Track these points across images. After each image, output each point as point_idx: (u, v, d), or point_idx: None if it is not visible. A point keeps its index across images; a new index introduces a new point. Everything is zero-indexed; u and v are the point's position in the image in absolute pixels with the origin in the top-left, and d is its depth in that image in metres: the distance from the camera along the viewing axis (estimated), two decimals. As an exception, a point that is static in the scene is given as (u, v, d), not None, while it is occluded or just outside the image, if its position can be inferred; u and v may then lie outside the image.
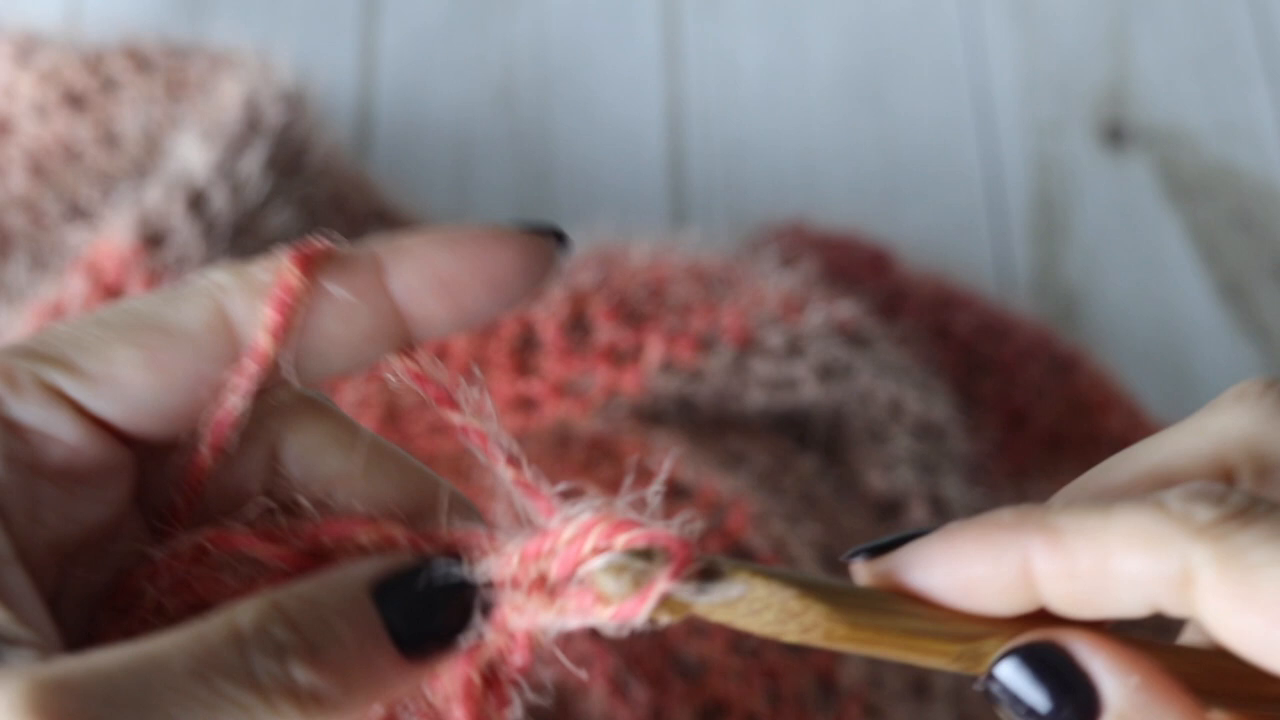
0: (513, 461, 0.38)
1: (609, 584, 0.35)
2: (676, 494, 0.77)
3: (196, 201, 0.84)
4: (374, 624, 0.36)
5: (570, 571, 0.36)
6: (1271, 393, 0.39)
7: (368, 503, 0.39)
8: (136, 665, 0.33)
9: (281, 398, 0.39)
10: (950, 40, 1.12)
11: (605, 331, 0.82)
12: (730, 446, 0.83)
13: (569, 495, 0.37)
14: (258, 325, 0.38)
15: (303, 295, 0.38)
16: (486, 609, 0.36)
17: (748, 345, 0.83)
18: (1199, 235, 1.05)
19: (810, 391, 0.84)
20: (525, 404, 0.83)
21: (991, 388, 0.96)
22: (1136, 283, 1.04)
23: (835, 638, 0.37)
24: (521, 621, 0.36)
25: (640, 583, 0.35)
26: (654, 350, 0.82)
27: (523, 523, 0.37)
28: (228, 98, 0.88)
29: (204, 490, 0.39)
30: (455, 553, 0.37)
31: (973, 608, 0.37)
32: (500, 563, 0.37)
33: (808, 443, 0.86)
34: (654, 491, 0.37)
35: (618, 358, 0.82)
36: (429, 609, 0.36)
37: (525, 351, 0.83)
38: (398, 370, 0.39)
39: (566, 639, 0.49)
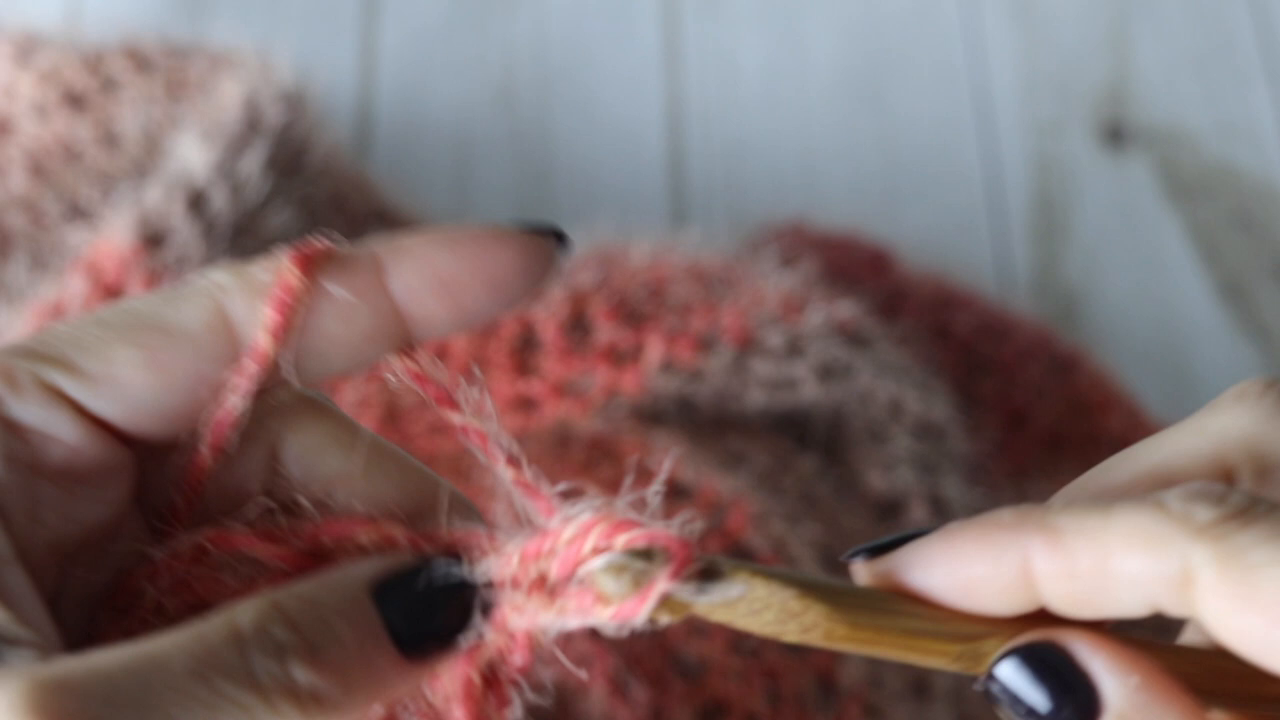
0: (513, 461, 0.38)
1: (609, 584, 0.35)
2: (676, 494, 0.77)
3: (196, 201, 0.84)
4: (374, 624, 0.36)
5: (570, 571, 0.36)
6: (1271, 393, 0.39)
7: (368, 503, 0.39)
8: (136, 665, 0.33)
9: (281, 398, 0.39)
10: (950, 40, 1.12)
11: (605, 331, 0.83)
12: (730, 446, 0.83)
13: (569, 495, 0.37)
14: (258, 325, 0.38)
15: (303, 295, 0.38)
16: (486, 609, 0.36)
17: (748, 345, 0.83)
18: (1199, 235, 1.05)
19: (810, 391, 0.84)
20: (525, 404, 0.83)
21: (991, 388, 0.96)
22: (1136, 283, 1.04)
23: (835, 638, 0.37)
24: (521, 621, 0.36)
25: (640, 583, 0.35)
26: (654, 350, 0.82)
27: (523, 523, 0.37)
28: (228, 98, 0.88)
29: (204, 490, 0.39)
30: (455, 553, 0.37)
31: (973, 608, 0.37)
32: (500, 563, 0.37)
33: (808, 443, 0.86)
34: (654, 491, 0.37)
35: (618, 358, 0.82)
36: (429, 609, 0.36)
37: (525, 351, 0.83)
38: (398, 370, 0.39)
39: (566, 639, 0.49)
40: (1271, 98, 1.10)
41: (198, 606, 0.38)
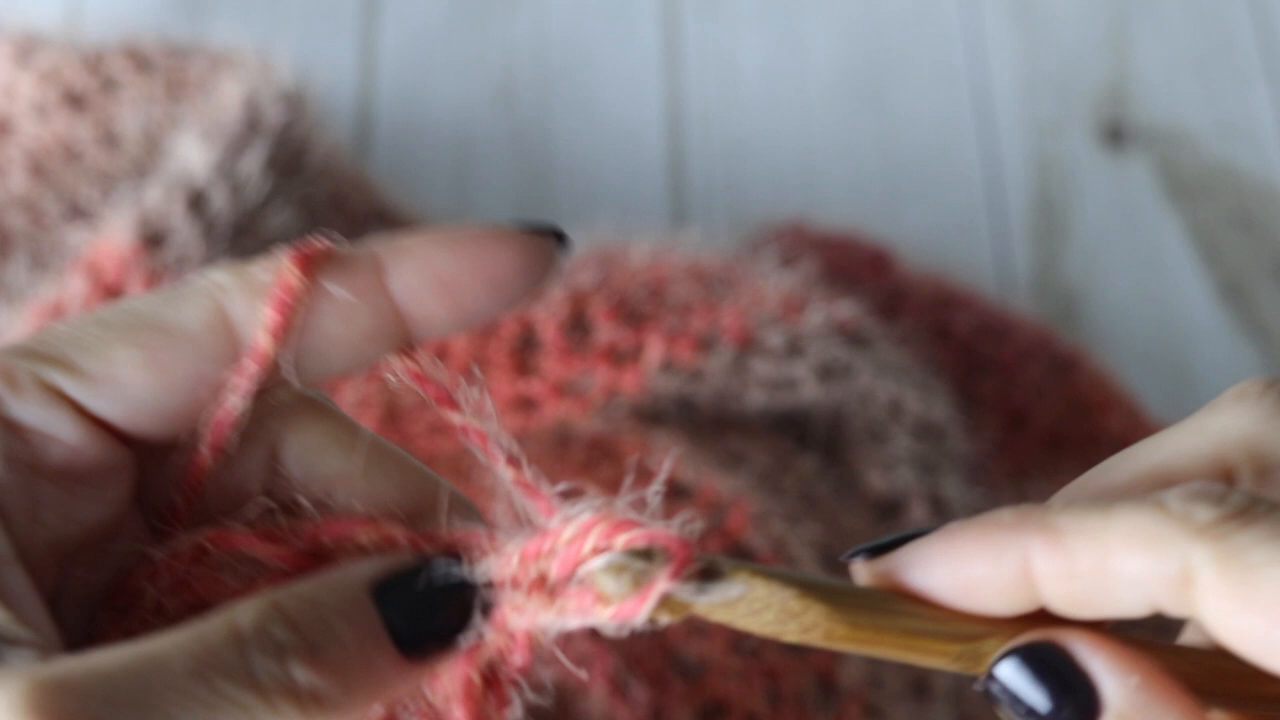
0: (513, 461, 0.38)
1: (609, 584, 0.35)
2: (676, 494, 0.77)
3: (196, 201, 0.84)
4: (374, 624, 0.36)
5: (570, 571, 0.36)
6: (1271, 393, 0.39)
7: (368, 503, 0.39)
8: (136, 665, 0.33)
9: (281, 398, 0.39)
10: (950, 40, 1.12)
11: (605, 331, 0.83)
12: (730, 446, 0.83)
13: (569, 495, 0.37)
14: (258, 325, 0.38)
15: (303, 295, 0.38)
16: (486, 609, 0.36)
17: (748, 345, 0.83)
18: (1199, 235, 1.05)
19: (810, 391, 0.84)
20: (525, 404, 0.83)
21: (991, 388, 0.96)
22: (1136, 283, 1.04)
23: (835, 638, 0.37)
24: (521, 621, 0.36)
25: (640, 583, 0.35)
26: (654, 350, 0.82)
27: (523, 523, 0.37)
28: (228, 98, 0.88)
29: (204, 490, 0.39)
30: (455, 553, 0.37)
31: (973, 608, 0.37)
32: (500, 563, 0.37)
33: (808, 443, 0.86)
34: (654, 491, 0.37)
35: (618, 358, 0.82)
36: (429, 609, 0.36)
37: (525, 351, 0.83)
38: (398, 370, 0.39)
39: (566, 639, 0.49)
40: (1271, 98, 1.10)
41: (198, 606, 0.38)
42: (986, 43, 1.12)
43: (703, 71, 1.10)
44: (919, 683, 0.79)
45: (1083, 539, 0.36)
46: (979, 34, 1.12)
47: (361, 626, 0.35)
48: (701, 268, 0.87)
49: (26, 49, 0.97)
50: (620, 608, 0.35)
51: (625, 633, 0.36)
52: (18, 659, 0.33)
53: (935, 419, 0.87)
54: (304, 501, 0.39)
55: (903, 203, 1.06)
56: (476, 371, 0.43)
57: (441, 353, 0.83)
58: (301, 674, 0.34)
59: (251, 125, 0.87)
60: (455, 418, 0.39)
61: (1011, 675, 0.37)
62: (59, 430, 0.37)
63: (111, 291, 0.81)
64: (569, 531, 0.36)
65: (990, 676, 0.37)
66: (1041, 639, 0.37)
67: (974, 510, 0.74)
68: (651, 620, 0.36)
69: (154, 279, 0.81)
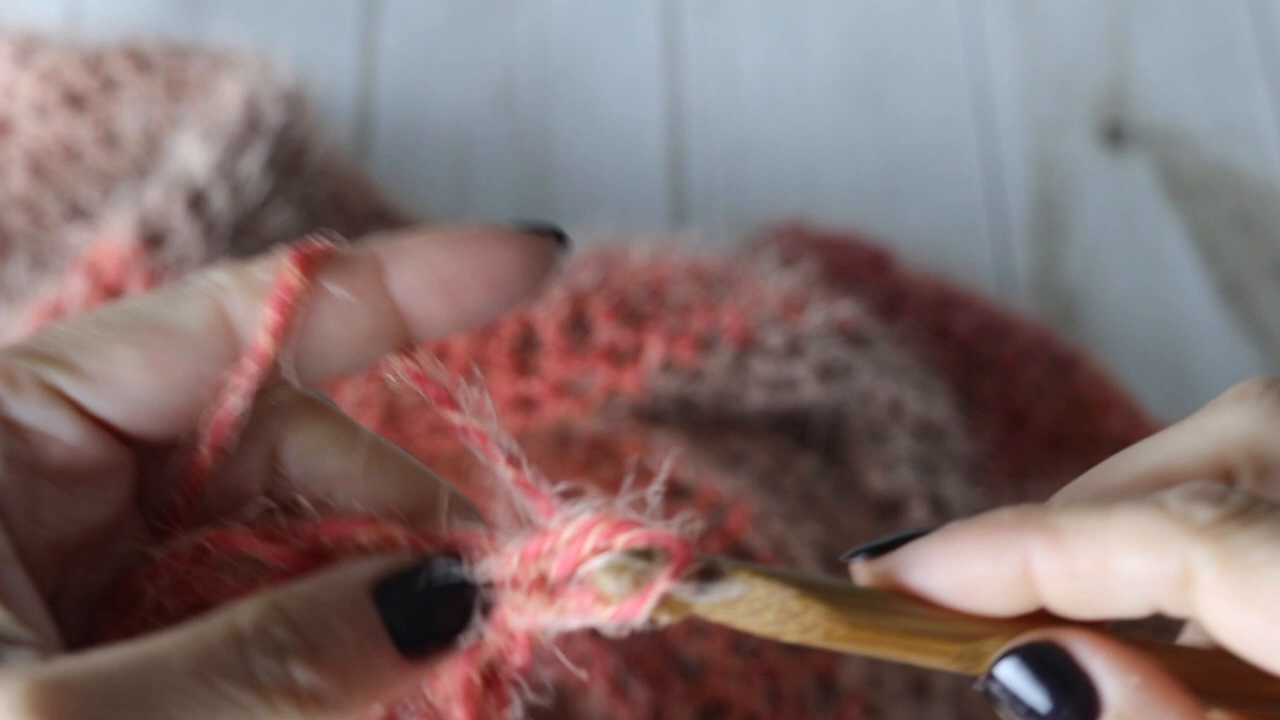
0: (513, 461, 0.38)
1: (609, 584, 0.35)
2: (676, 494, 0.77)
3: (196, 201, 0.84)
4: (374, 624, 0.36)
5: (570, 571, 0.36)
6: (1271, 393, 0.39)
7: (368, 503, 0.39)
8: (136, 665, 0.33)
9: (281, 398, 0.39)
10: (950, 40, 1.12)
11: (605, 331, 0.83)
12: (730, 446, 0.83)
13: (569, 495, 0.37)
14: (258, 325, 0.38)
15: (303, 295, 0.38)
16: (486, 609, 0.36)
17: (748, 345, 0.83)
18: (1199, 235, 1.05)
19: (810, 391, 0.84)
20: (525, 404, 0.83)
21: (991, 388, 0.96)
22: (1136, 283, 1.04)
23: (835, 638, 0.37)
24: (521, 621, 0.36)
25: (640, 583, 0.35)
26: (654, 350, 0.82)
27: (523, 523, 0.37)
28: (228, 98, 0.88)
29: (204, 490, 0.39)
30: (455, 553, 0.37)
31: (973, 608, 0.37)
32: (500, 563, 0.37)
33: (808, 443, 0.86)
34: (654, 491, 0.37)
35: (618, 358, 0.82)
36: (429, 609, 0.36)
37: (525, 351, 0.83)
38: (398, 370, 0.39)
39: (566, 639, 0.49)
40: (1271, 98, 1.10)
41: (198, 606, 0.38)
42: (986, 43, 1.12)
43: (703, 71, 1.10)
44: (919, 683, 0.79)
45: (1083, 539, 0.36)
46: (979, 34, 1.12)
47: (361, 626, 0.35)
48: (701, 268, 0.87)
49: (26, 49, 0.97)
50: (620, 608, 0.35)
51: (625, 633, 0.36)
52: (18, 659, 0.33)
53: (935, 419, 0.87)
54: (304, 501, 0.39)
55: (903, 203, 1.06)
56: (476, 371, 0.42)
57: (441, 353, 0.83)
58: (301, 674, 0.34)
59: (251, 125, 0.87)
60: (455, 418, 0.39)
61: (1011, 675, 0.37)
62: (59, 430, 0.37)
63: (111, 291, 0.81)
64: (569, 531, 0.36)
65: (990, 676, 0.37)
66: (1041, 639, 0.37)
67: (974, 510, 0.74)
68: (651, 620, 0.36)
69: (154, 279, 0.81)
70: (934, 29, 1.12)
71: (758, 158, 1.07)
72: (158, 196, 0.84)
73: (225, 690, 0.33)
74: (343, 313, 0.38)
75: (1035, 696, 0.36)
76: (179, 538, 0.39)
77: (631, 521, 0.36)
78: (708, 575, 0.36)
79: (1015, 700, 0.37)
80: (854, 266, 0.99)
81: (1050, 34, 1.13)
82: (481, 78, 1.10)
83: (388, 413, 0.83)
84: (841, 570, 0.39)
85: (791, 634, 0.37)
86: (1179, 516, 0.35)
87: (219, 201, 0.84)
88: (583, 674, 0.71)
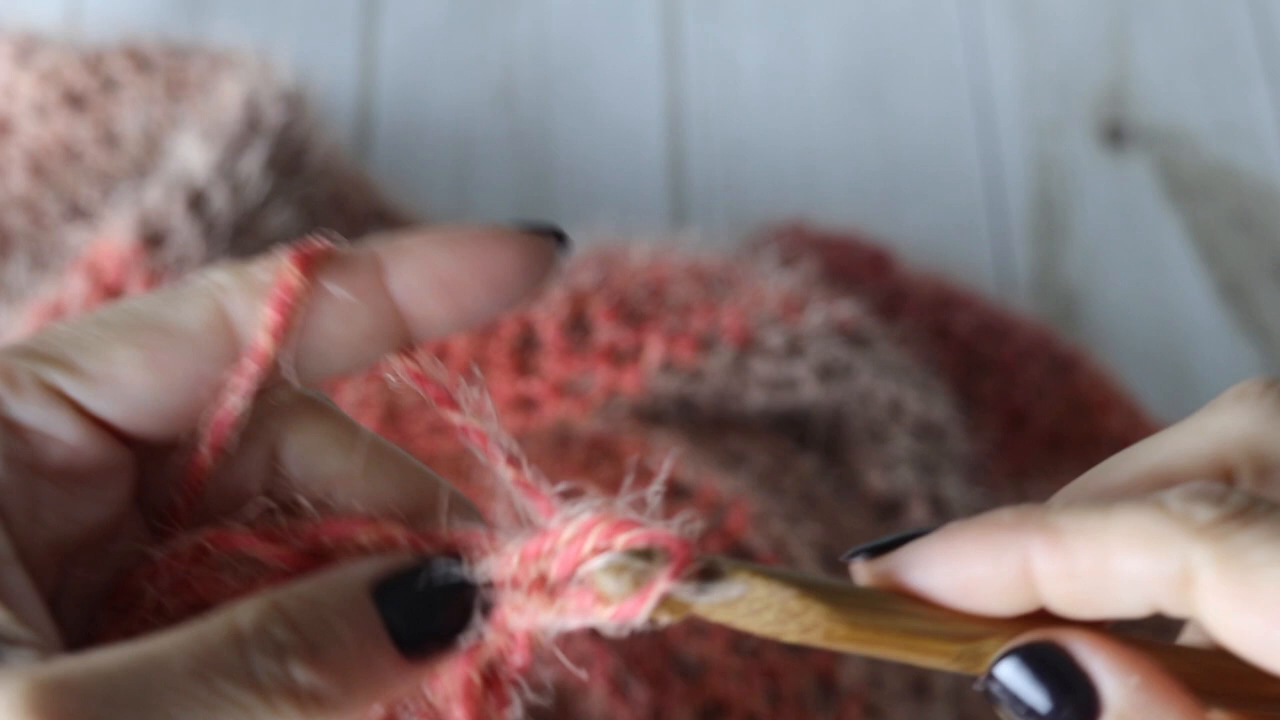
0: (513, 461, 0.38)
1: (609, 584, 0.35)
2: (676, 494, 0.77)
3: (196, 201, 0.84)
4: (374, 624, 0.36)
5: (570, 571, 0.36)
6: (1271, 393, 0.39)
7: (368, 503, 0.39)
8: (136, 665, 0.33)
9: (281, 398, 0.39)
10: (950, 40, 1.12)
11: (605, 331, 0.83)
12: (730, 446, 0.83)
13: (569, 495, 0.37)
14: (258, 325, 0.38)
15: (303, 295, 0.38)
16: (486, 609, 0.36)
17: (748, 345, 0.83)
18: (1199, 235, 1.05)
19: (810, 391, 0.84)
20: (525, 404, 0.83)
21: (991, 388, 0.96)
22: (1136, 283, 1.04)
23: (835, 638, 0.37)
24: (521, 621, 0.36)
25: (640, 583, 0.35)
26: (654, 350, 0.82)
27: (523, 523, 0.37)
28: (228, 98, 0.88)
29: (204, 490, 0.39)
30: (455, 553, 0.37)
31: (973, 608, 0.37)
32: (500, 563, 0.37)
33: (808, 443, 0.86)
34: (654, 491, 0.37)
35: (618, 358, 0.82)
36: (429, 609, 0.36)
37: (525, 351, 0.83)
38: (398, 370, 0.39)
39: (566, 639, 0.49)
40: (1271, 98, 1.10)
41: (198, 606, 0.38)
42: (986, 43, 1.12)
43: (703, 71, 1.10)
44: (919, 683, 0.79)
45: (1083, 539, 0.36)
46: (979, 34, 1.12)
47: (361, 626, 0.35)
48: (701, 268, 0.87)
49: (26, 49, 0.97)
50: (620, 608, 0.35)
51: (625, 633, 0.36)
52: (18, 659, 0.33)
53: (935, 419, 0.87)
54: (304, 501, 0.39)
55: (903, 203, 1.06)
56: (476, 371, 0.42)
57: (441, 353, 0.83)
58: (301, 674, 0.34)
59: (251, 125, 0.87)
60: (455, 418, 0.39)
61: (1011, 675, 0.37)
62: (59, 430, 0.37)
63: (111, 291, 0.81)
64: (569, 531, 0.36)
65: (990, 676, 0.37)
66: (1041, 639, 0.37)
67: (974, 510, 0.74)
68: (651, 620, 0.36)
69: (154, 279, 0.81)
70: (934, 29, 1.12)
71: (758, 158, 1.07)
72: (158, 196, 0.84)
73: (225, 690, 0.33)
74: (343, 313, 0.38)
75: (1035, 696, 0.36)
76: (179, 538, 0.39)
77: (631, 521, 0.36)
78: (708, 575, 0.36)
79: (1015, 700, 0.37)
80: (854, 266, 0.99)
81: (1050, 34, 1.13)
82: (481, 78, 1.10)
83: (388, 413, 0.83)
84: (841, 570, 0.39)
85: (791, 634, 0.37)
86: (1179, 516, 0.35)
87: (219, 201, 0.84)
88: (583, 674, 0.71)
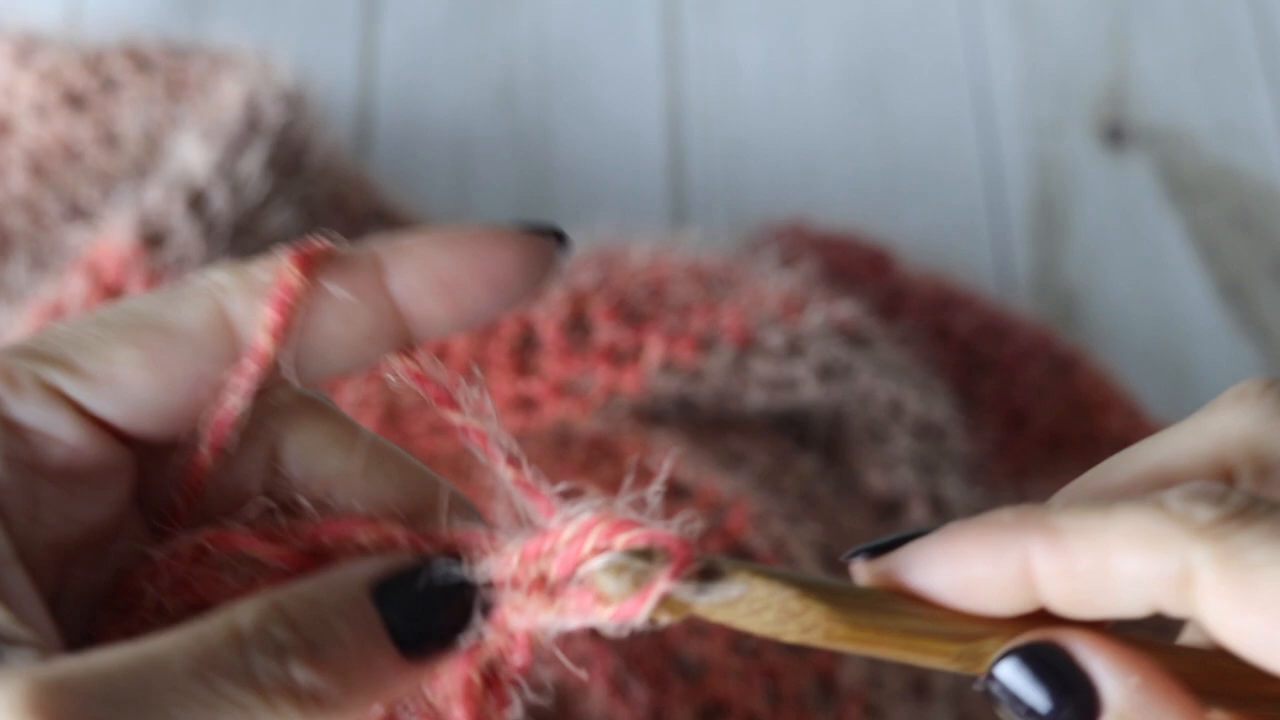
0: (513, 461, 0.38)
1: (609, 584, 0.35)
2: (676, 494, 0.77)
3: (196, 201, 0.84)
4: (374, 624, 0.36)
5: (570, 571, 0.36)
6: (1271, 393, 0.39)
7: (368, 503, 0.39)
8: (136, 665, 0.33)
9: (281, 398, 0.39)
10: (950, 40, 1.12)
11: (605, 331, 0.82)
12: (730, 446, 0.83)
13: (569, 495, 0.37)
14: (258, 325, 0.38)
15: (303, 295, 0.38)
16: (486, 609, 0.36)
17: (748, 345, 0.83)
18: (1199, 235, 1.05)
19: (810, 391, 0.84)
20: (525, 404, 0.83)
21: (991, 388, 0.96)
22: (1136, 283, 1.04)
23: (835, 638, 0.37)
24: (521, 621, 0.36)
25: (640, 583, 0.35)
26: (654, 350, 0.82)
27: (523, 523, 0.37)
28: (228, 98, 0.88)
29: (204, 490, 0.39)
30: (455, 553, 0.37)
31: (973, 608, 0.37)
32: (500, 563, 0.37)
33: (808, 443, 0.86)
34: (654, 491, 0.37)
35: (618, 358, 0.82)
36: (429, 609, 0.36)
37: (525, 351, 0.83)
38: (398, 370, 0.39)
39: (566, 639, 0.49)
40: (1271, 98, 1.10)
41: (198, 606, 0.38)
42: (986, 43, 1.12)
43: (703, 71, 1.10)
44: (919, 683, 0.79)
45: (1083, 539, 0.36)
46: (979, 34, 1.12)
47: (361, 626, 0.35)
48: (701, 268, 0.87)
49: (26, 49, 0.97)
50: (620, 608, 0.35)
51: (625, 633, 0.36)
52: (18, 659, 0.33)
53: (935, 419, 0.87)
54: (304, 501, 0.39)
55: (903, 203, 1.06)
56: (476, 371, 0.42)
57: (441, 353, 0.83)
58: (301, 674, 0.34)
59: (251, 125, 0.87)
60: (455, 418, 0.39)
61: (1011, 675, 0.37)
62: (59, 430, 0.37)
63: (111, 291, 0.81)
64: (569, 531, 0.36)
65: (990, 676, 0.37)
66: (1041, 639, 0.37)
67: (974, 510, 0.74)
68: (651, 620, 0.36)
69: (154, 279, 0.81)
70: (934, 29, 1.12)
71: (758, 158, 1.07)
72: (158, 196, 0.84)
73: (225, 690, 0.33)
74: (343, 313, 0.38)
75: (1035, 696, 0.36)
76: (179, 538, 0.39)
77: (631, 521, 0.36)
78: (708, 575, 0.36)
79: (1015, 700, 0.37)
80: (854, 266, 0.99)
81: (1050, 34, 1.13)
82: (481, 78, 1.10)
83: (388, 413, 0.83)
84: (841, 570, 0.39)
85: (791, 634, 0.37)
86: (1179, 516, 0.35)
87: (219, 201, 0.84)
88: (583, 674, 0.71)
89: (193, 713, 0.32)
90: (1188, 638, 0.40)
